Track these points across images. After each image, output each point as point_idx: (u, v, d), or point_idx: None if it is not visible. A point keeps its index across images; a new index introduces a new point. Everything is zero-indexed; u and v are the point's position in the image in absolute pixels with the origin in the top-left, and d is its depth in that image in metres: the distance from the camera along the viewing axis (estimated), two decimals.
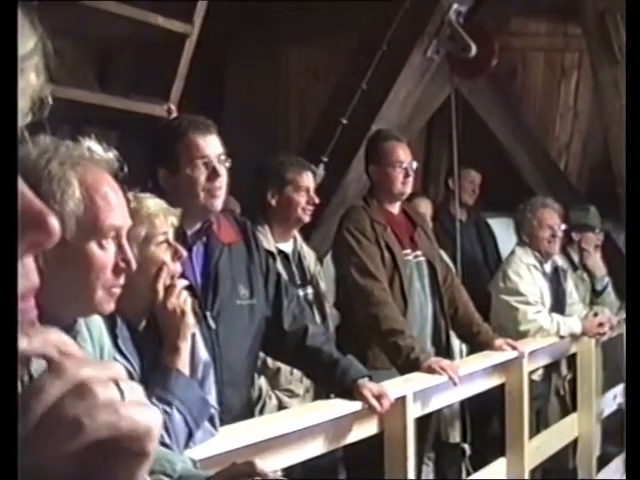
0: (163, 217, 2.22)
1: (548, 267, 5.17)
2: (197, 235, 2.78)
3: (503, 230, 6.24)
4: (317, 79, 6.77)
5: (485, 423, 5.00)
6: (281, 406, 3.67)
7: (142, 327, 2.24)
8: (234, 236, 2.91)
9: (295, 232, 3.97)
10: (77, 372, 0.65)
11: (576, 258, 5.81)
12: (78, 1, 3.58)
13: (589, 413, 5.11)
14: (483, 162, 6.40)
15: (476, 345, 4.27)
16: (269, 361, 3.60)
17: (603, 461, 5.34)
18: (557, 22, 7.07)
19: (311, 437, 2.86)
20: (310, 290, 3.92)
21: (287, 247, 3.89)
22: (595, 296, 5.83)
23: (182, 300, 2.22)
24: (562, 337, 4.91)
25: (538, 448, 4.57)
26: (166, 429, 2.04)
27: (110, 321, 1.95)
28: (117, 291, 1.70)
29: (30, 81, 0.67)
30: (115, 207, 1.67)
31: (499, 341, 4.17)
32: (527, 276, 4.98)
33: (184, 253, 2.29)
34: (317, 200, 3.94)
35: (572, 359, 5.20)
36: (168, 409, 2.06)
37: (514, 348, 4.18)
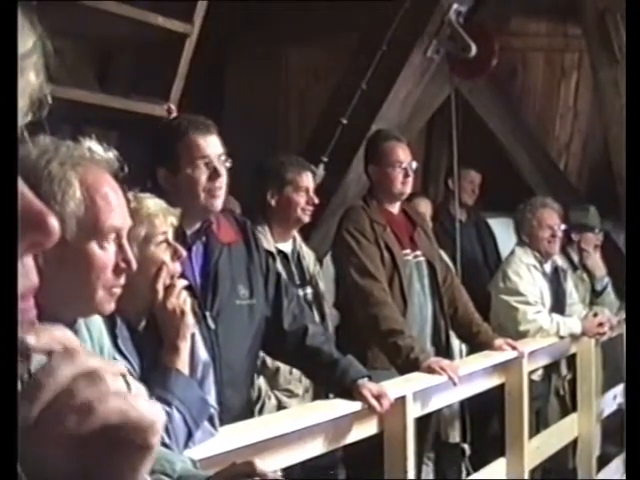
0: (163, 217, 2.22)
1: (548, 267, 5.17)
2: (196, 235, 2.77)
3: (503, 230, 6.23)
4: (317, 79, 6.77)
5: (485, 423, 5.00)
6: (280, 406, 3.67)
7: (142, 327, 2.24)
8: (234, 236, 2.91)
9: (294, 232, 3.97)
10: (88, 360, 0.66)
11: (576, 258, 5.82)
12: (78, 1, 3.58)
13: (589, 413, 5.11)
14: (483, 162, 6.40)
15: (476, 345, 4.27)
16: (268, 361, 3.60)
17: (603, 461, 5.34)
18: (557, 22, 7.07)
19: (311, 437, 2.86)
20: (309, 290, 3.93)
21: (286, 247, 3.89)
22: (595, 296, 5.83)
23: (182, 300, 2.22)
24: (562, 337, 4.91)
25: (538, 448, 4.57)
26: (166, 429, 2.04)
27: (110, 321, 1.95)
28: (117, 291, 1.70)
29: (29, 80, 0.68)
30: (115, 208, 1.67)
31: (499, 341, 4.17)
32: (527, 276, 4.98)
33: (184, 253, 2.29)
34: (317, 200, 3.94)
35: (572, 359, 5.20)
36: (168, 409, 2.06)
37: (514, 348, 4.18)
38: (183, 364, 2.17)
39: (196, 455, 1.98)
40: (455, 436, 4.89)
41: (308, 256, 4.03)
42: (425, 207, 5.60)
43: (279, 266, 3.56)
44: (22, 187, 0.63)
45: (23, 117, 0.68)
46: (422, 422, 3.89)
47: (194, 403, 2.15)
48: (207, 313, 2.73)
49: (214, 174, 2.72)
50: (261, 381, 3.60)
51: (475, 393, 4.07)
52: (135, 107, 3.98)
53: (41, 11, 0.71)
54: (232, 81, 6.91)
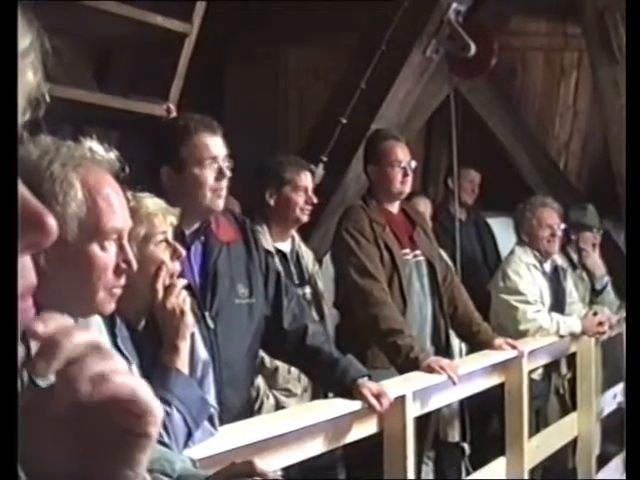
0: (162, 216, 2.22)
1: (548, 266, 5.17)
2: (195, 234, 2.77)
3: (502, 229, 6.24)
4: (317, 79, 6.77)
5: (485, 422, 5.01)
6: (278, 406, 3.67)
7: (141, 326, 2.24)
8: (233, 235, 2.91)
9: (293, 232, 3.97)
10: (100, 337, 0.68)
11: (575, 257, 5.82)
12: (77, 1, 3.58)
13: (589, 412, 5.11)
14: (482, 161, 6.40)
15: (476, 344, 4.27)
16: (266, 360, 3.60)
17: (603, 460, 5.34)
18: (556, 22, 7.07)
19: (310, 436, 2.86)
20: (308, 290, 3.93)
21: (285, 247, 3.90)
22: (595, 295, 5.83)
23: (181, 300, 2.22)
24: (562, 336, 4.91)
25: (538, 447, 4.57)
26: (165, 428, 2.04)
27: (109, 321, 1.95)
28: (118, 292, 1.70)
29: (27, 79, 0.68)
30: (117, 209, 1.67)
31: (499, 340, 4.17)
32: (527, 275, 4.98)
33: (183, 252, 2.29)
34: (315, 200, 3.94)
35: (572, 358, 5.20)
36: (167, 408, 2.06)
37: (514, 347, 4.18)
38: (183, 363, 2.17)
39: (196, 454, 1.98)
40: (455, 435, 4.89)
41: (307, 255, 4.03)
42: (425, 206, 5.60)
43: (278, 265, 3.56)
44: (20, 187, 0.64)
45: (21, 116, 0.68)
46: (422, 421, 3.89)
47: (194, 402, 2.15)
48: (206, 313, 2.72)
49: (220, 175, 2.73)
50: (259, 380, 3.60)
51: (475, 392, 4.07)
52: (134, 107, 3.98)
53: (39, 10, 0.71)
54: (232, 81, 6.91)
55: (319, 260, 4.36)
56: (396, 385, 3.33)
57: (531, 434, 4.49)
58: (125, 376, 0.67)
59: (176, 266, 2.26)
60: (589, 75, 6.50)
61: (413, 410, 3.32)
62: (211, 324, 2.72)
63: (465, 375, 3.74)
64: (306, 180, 3.94)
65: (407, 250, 4.10)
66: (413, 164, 4.15)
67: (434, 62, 5.62)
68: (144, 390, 0.68)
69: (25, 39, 0.67)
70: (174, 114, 3.93)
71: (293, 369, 3.63)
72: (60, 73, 3.58)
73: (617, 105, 5.42)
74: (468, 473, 4.50)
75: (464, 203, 6.15)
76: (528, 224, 5.11)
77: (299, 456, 2.82)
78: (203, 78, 5.53)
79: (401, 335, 3.71)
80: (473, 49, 5.45)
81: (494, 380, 4.18)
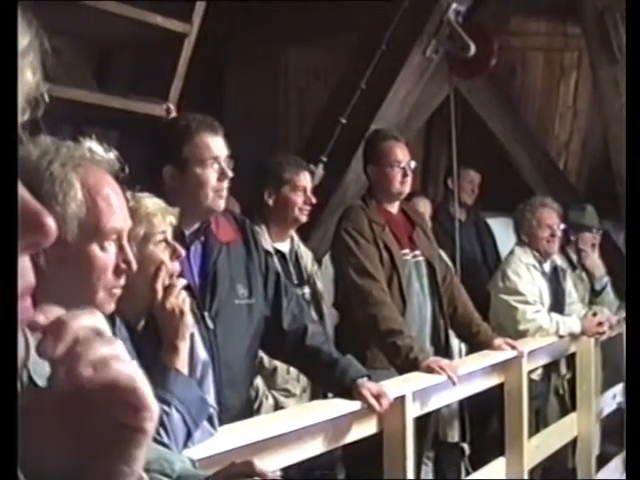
0: (161, 216, 2.22)
1: (547, 267, 5.17)
2: (195, 235, 2.77)
3: (502, 230, 6.24)
4: (316, 79, 6.77)
5: (484, 422, 5.00)
6: (277, 406, 3.67)
7: (141, 327, 2.24)
8: (233, 235, 2.91)
9: (292, 232, 3.97)
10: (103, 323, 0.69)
11: (575, 258, 5.82)
12: (77, 0, 3.58)
13: (588, 412, 5.11)
14: (482, 162, 6.40)
15: (475, 344, 4.27)
16: (265, 361, 3.60)
17: (602, 460, 5.34)
18: (556, 21, 7.07)
19: (310, 437, 2.85)
20: (307, 290, 3.93)
21: (284, 247, 3.90)
22: (594, 295, 5.83)
23: (181, 300, 2.22)
24: (561, 336, 4.91)
25: (537, 447, 4.57)
26: (165, 428, 2.04)
27: (109, 321, 1.95)
28: (118, 292, 1.70)
29: (26, 79, 0.68)
30: (116, 209, 1.67)
31: (498, 340, 4.17)
32: (526, 275, 4.98)
33: (182, 252, 2.29)
34: (314, 200, 3.94)
35: (571, 358, 5.20)
36: (167, 408, 2.06)
37: (513, 347, 4.18)
38: (182, 364, 2.17)
39: (195, 455, 1.97)
40: (454, 436, 4.89)
41: (306, 255, 4.03)
42: (424, 207, 5.60)
43: (277, 266, 3.56)
44: (20, 188, 0.63)
45: (20, 116, 0.68)
46: (421, 422, 3.89)
47: (193, 403, 2.15)
48: (206, 313, 2.72)
49: (222, 175, 2.73)
50: (258, 381, 3.59)
51: (474, 392, 4.06)
52: (134, 107, 3.98)
53: (39, 10, 0.71)
54: (231, 81, 6.91)
55: (318, 260, 4.36)
56: (396, 385, 3.33)
57: (531, 434, 4.49)
58: (126, 364, 0.68)
59: (175, 266, 2.26)
60: (589, 75, 6.50)
61: (413, 410, 3.32)
62: (210, 324, 2.72)
63: (465, 375, 3.74)
64: (305, 180, 3.95)
65: (406, 250, 4.10)
66: (413, 164, 4.15)
67: (434, 62, 5.62)
68: (143, 382, 0.68)
69: (24, 39, 0.67)
70: (174, 114, 3.93)
71: (292, 369, 3.63)
72: (60, 73, 3.58)
73: (617, 105, 5.42)
74: (468, 473, 4.50)
75: (464, 203, 6.15)
76: (528, 224, 5.11)
77: (298, 456, 2.82)
78: (203, 78, 5.53)
79: (400, 335, 3.71)
80: (473, 49, 5.45)
81: (494, 380, 4.18)
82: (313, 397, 3.81)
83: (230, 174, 2.74)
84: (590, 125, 7.34)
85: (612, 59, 5.47)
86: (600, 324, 5.14)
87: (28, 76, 0.68)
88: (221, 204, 2.76)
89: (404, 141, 4.23)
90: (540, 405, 5.17)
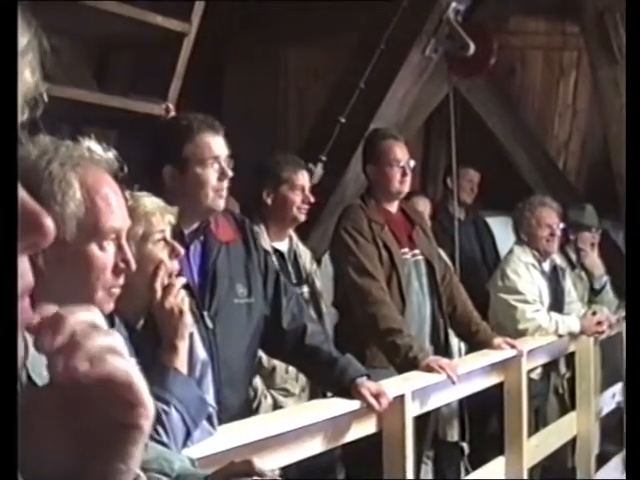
0: (160, 215, 2.22)
1: (546, 266, 5.17)
2: (194, 234, 2.77)
3: (501, 229, 6.24)
4: (316, 78, 6.76)
5: (484, 422, 5.01)
6: (276, 405, 3.67)
7: (140, 326, 2.24)
8: (232, 235, 2.91)
9: (291, 231, 3.97)
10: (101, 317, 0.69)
11: (574, 257, 5.82)
12: (77, 0, 3.58)
13: (588, 412, 5.11)
14: (482, 161, 6.40)
15: (475, 344, 4.27)
16: (264, 360, 3.60)
17: (602, 460, 5.34)
18: (556, 21, 7.07)
19: (309, 436, 2.86)
20: (306, 289, 3.93)
21: (283, 246, 3.90)
22: (594, 295, 5.83)
23: (180, 299, 2.22)
24: (561, 336, 4.91)
25: (537, 447, 4.57)
26: (164, 428, 2.04)
27: (108, 320, 1.95)
28: (117, 291, 1.70)
29: (25, 79, 0.68)
30: (115, 209, 1.67)
31: (498, 340, 4.17)
32: (525, 275, 4.98)
33: (181, 251, 2.29)
34: (312, 199, 3.94)
35: (571, 358, 5.20)
36: (166, 408, 2.06)
37: (513, 347, 4.18)
38: (181, 363, 2.17)
39: (194, 454, 1.97)
40: (454, 435, 4.89)
41: (304, 255, 4.03)
42: (424, 206, 5.60)
43: (276, 265, 3.56)
44: (18, 188, 0.64)
45: (19, 116, 0.68)
46: (421, 421, 3.89)
47: (192, 402, 2.15)
48: (205, 312, 2.72)
49: (222, 175, 2.73)
50: (257, 380, 3.59)
51: (474, 392, 4.07)
52: (134, 106, 3.98)
53: (38, 9, 0.71)
54: (231, 81, 6.91)
55: (318, 259, 4.36)
56: (395, 384, 3.33)
57: (530, 433, 4.49)
58: (122, 359, 0.68)
59: (175, 265, 2.26)
60: (588, 74, 6.51)
61: (412, 409, 3.32)
62: (210, 324, 2.72)
63: (464, 374, 3.74)
64: (303, 179, 3.95)
65: (406, 249, 4.10)
66: (412, 163, 4.15)
67: (433, 61, 5.62)
68: (139, 379, 0.69)
69: (23, 38, 0.67)
70: (173, 114, 3.93)
71: (291, 368, 3.64)
72: (59, 72, 3.58)
73: (617, 104, 5.42)
74: (467, 472, 4.51)
75: (463, 202, 6.16)
76: (527, 223, 5.11)
77: (298, 456, 2.82)
78: (202, 78, 5.52)
79: (400, 334, 3.71)
80: (472, 48, 5.44)
81: (493, 379, 4.18)
82: (312, 396, 3.81)
83: (230, 174, 2.75)
84: (589, 124, 7.34)
85: (612, 59, 5.47)
86: (599, 323, 5.14)
87: (27, 76, 0.68)
88: (221, 204, 2.76)
89: (403, 140, 4.23)
90: (539, 404, 5.17)
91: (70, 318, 0.67)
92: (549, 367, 5.15)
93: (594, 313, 5.25)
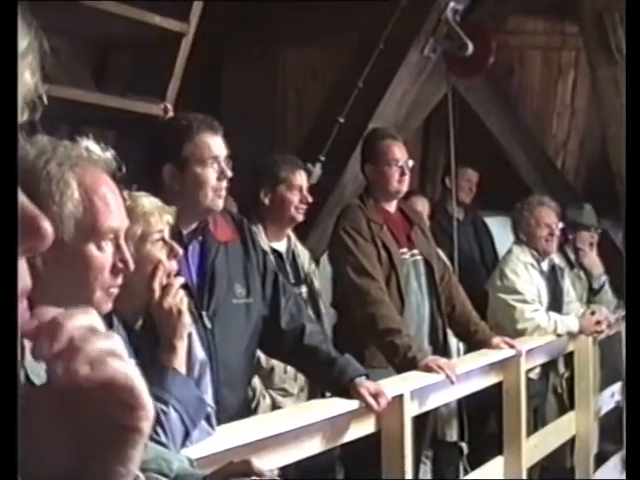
0: (158, 215, 2.22)
1: (545, 265, 5.17)
2: (193, 234, 2.77)
3: (500, 229, 6.24)
4: (314, 78, 6.76)
5: (482, 421, 5.01)
6: (275, 405, 3.67)
7: (138, 326, 2.24)
8: (230, 235, 2.91)
9: (289, 231, 3.97)
10: (99, 320, 0.68)
11: (573, 256, 5.82)
12: (76, 0, 3.58)
13: (587, 411, 5.11)
14: (480, 160, 6.40)
15: (473, 343, 4.27)
16: (263, 360, 3.59)
17: (601, 459, 5.34)
18: (554, 20, 7.07)
19: (308, 436, 2.85)
20: (304, 289, 3.93)
21: (281, 246, 3.90)
22: (592, 294, 5.84)
23: (179, 299, 2.22)
24: (559, 335, 4.91)
25: (536, 446, 4.57)
26: (163, 428, 2.04)
27: (106, 320, 1.95)
28: (115, 291, 1.70)
29: (25, 81, 0.67)
30: (113, 209, 1.67)
31: (496, 339, 4.17)
32: (524, 274, 4.98)
33: (180, 251, 2.29)
34: (310, 199, 3.94)
35: (569, 357, 5.21)
36: (165, 408, 2.06)
37: (511, 346, 4.19)
38: (180, 363, 2.17)
39: (193, 454, 1.97)
40: (453, 435, 4.90)
41: (303, 254, 4.03)
42: (422, 206, 5.60)
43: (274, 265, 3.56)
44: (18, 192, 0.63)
45: (18, 117, 0.67)
46: (420, 421, 3.90)
47: (191, 402, 2.15)
48: (204, 312, 2.72)
49: (221, 175, 2.73)
50: (256, 380, 3.59)
51: (473, 391, 4.07)
52: (132, 106, 3.98)
53: (37, 9, 0.71)
54: (229, 81, 6.90)
55: (316, 260, 4.35)
56: (394, 384, 3.33)
57: (529, 433, 4.49)
58: (122, 362, 0.68)
59: (173, 265, 2.26)
60: (587, 74, 6.51)
61: (411, 409, 3.32)
62: (208, 324, 2.72)
63: (463, 374, 3.74)
64: (301, 179, 3.95)
65: (405, 249, 4.10)
66: (410, 163, 4.15)
67: (432, 61, 5.62)
68: (139, 381, 0.68)
69: (22, 41, 0.67)
70: (171, 114, 3.93)
71: (289, 369, 3.64)
72: (57, 72, 3.57)
73: (615, 104, 5.42)
74: (466, 472, 4.51)
75: (462, 202, 6.16)
76: (526, 223, 5.11)
77: (296, 456, 2.82)
78: (200, 78, 5.52)
79: (399, 334, 3.71)
80: (471, 48, 5.44)
81: (492, 379, 4.18)
82: (311, 396, 3.81)
83: (229, 174, 2.75)
84: (588, 124, 7.34)
85: (610, 59, 5.47)
86: (598, 323, 5.14)
87: (27, 77, 0.68)
88: (220, 204, 2.76)
89: (402, 140, 4.23)
90: (538, 404, 5.18)
91: (67, 324, 0.67)
92: (548, 367, 5.16)
93: (593, 313, 5.25)
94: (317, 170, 5.09)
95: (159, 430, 2.02)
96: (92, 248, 1.64)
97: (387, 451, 3.25)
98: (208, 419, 2.27)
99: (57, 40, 3.68)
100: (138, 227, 2.16)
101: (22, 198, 0.64)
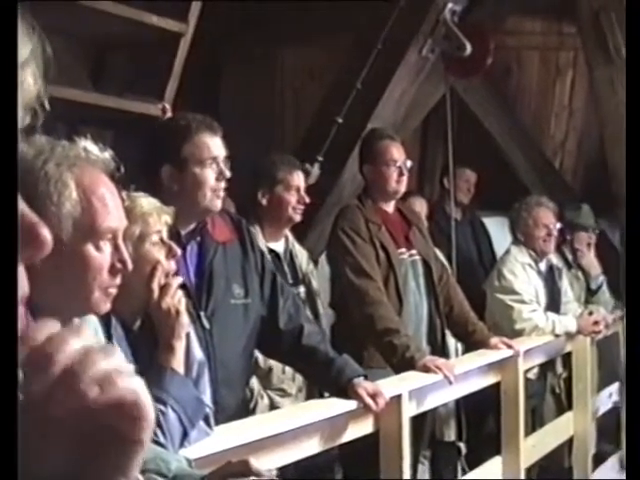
0: (157, 215, 2.22)
1: (543, 266, 5.17)
2: (191, 234, 2.77)
3: (498, 229, 6.24)
4: (312, 79, 6.76)
5: (481, 422, 5.01)
6: (273, 406, 3.66)
7: (137, 326, 2.24)
8: (229, 235, 2.91)
9: (286, 231, 3.97)
10: (93, 336, 0.67)
11: (571, 257, 5.83)
12: (74, 0, 3.58)
13: (584, 411, 5.11)
14: (478, 161, 6.40)
15: (471, 344, 4.28)
16: (260, 360, 3.59)
17: (598, 459, 5.35)
18: (552, 21, 7.08)
19: (306, 436, 2.85)
20: (302, 289, 3.93)
21: (278, 246, 3.90)
22: (590, 295, 5.84)
23: (177, 299, 2.22)
24: (557, 336, 4.92)
25: (534, 446, 4.57)
26: (161, 428, 2.04)
27: (105, 321, 1.95)
28: (113, 291, 1.70)
29: (27, 87, 0.67)
30: (112, 209, 1.67)
31: (494, 340, 4.18)
32: (522, 275, 4.98)
33: (178, 251, 2.29)
34: (307, 199, 3.94)
35: (567, 357, 5.21)
36: (163, 408, 2.06)
37: (509, 347, 4.19)
38: (178, 363, 2.17)
39: (191, 454, 1.98)
40: (451, 435, 4.90)
41: (301, 255, 4.03)
42: (420, 206, 5.60)
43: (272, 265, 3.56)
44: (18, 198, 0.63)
45: (19, 123, 0.67)
46: (418, 421, 3.90)
47: (189, 402, 2.15)
48: (202, 313, 2.72)
49: (220, 175, 2.73)
50: (254, 381, 3.59)
51: (471, 392, 4.07)
52: (130, 106, 3.98)
53: (35, 10, 0.71)
54: (228, 81, 6.90)
55: (315, 260, 4.35)
56: (392, 384, 3.33)
57: (527, 433, 4.49)
58: (128, 378, 0.67)
59: (171, 265, 2.26)
60: (584, 74, 6.51)
61: (409, 409, 3.32)
62: (207, 324, 2.72)
63: (461, 374, 3.74)
64: (298, 179, 3.95)
65: (403, 249, 4.10)
66: (409, 163, 4.15)
67: (430, 61, 5.62)
68: (144, 394, 0.68)
69: (25, 47, 0.66)
70: (169, 114, 3.93)
71: (287, 369, 3.64)
72: (55, 73, 3.57)
73: (613, 104, 5.43)
74: (464, 472, 4.50)
75: (460, 202, 6.16)
76: (524, 223, 5.11)
77: (295, 456, 2.82)
78: (199, 78, 5.52)
79: (397, 335, 3.71)
80: (469, 48, 5.45)
81: (490, 379, 4.19)
82: (309, 397, 3.81)
83: (228, 174, 2.75)
84: (586, 124, 7.34)
85: (608, 59, 5.47)
86: (596, 323, 5.14)
87: (30, 84, 0.68)
88: (218, 204, 2.76)
89: (400, 140, 4.23)
90: (536, 404, 5.18)
91: (57, 354, 0.65)
92: (546, 367, 5.16)
93: (591, 313, 5.25)
94: (315, 170, 5.09)
95: (157, 430, 2.02)
96: (90, 248, 1.64)
97: (385, 451, 3.25)
98: (206, 419, 2.27)
99: (55, 40, 3.68)
100: (136, 227, 2.16)
101: (21, 206, 0.64)
